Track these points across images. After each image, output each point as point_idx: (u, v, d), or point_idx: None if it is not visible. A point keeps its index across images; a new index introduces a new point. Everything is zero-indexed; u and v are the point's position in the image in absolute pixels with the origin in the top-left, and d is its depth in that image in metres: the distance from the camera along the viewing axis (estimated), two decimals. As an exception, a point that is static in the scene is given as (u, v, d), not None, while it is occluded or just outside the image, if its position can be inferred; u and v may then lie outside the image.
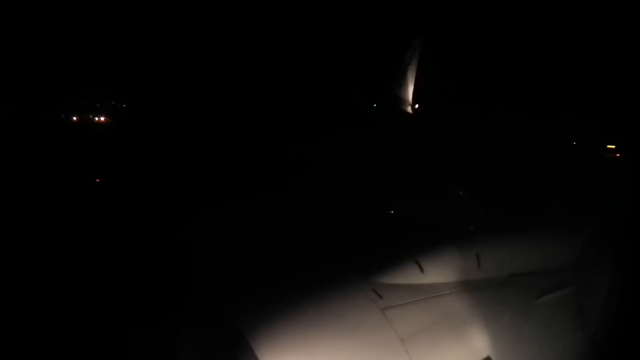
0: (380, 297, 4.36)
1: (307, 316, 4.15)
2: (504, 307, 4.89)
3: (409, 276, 4.68)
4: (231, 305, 4.33)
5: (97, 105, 39.66)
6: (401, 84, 35.75)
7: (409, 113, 34.86)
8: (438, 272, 4.81)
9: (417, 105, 35.86)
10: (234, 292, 4.60)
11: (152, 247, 10.39)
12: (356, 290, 4.40)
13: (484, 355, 4.54)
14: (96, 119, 38.79)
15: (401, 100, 35.26)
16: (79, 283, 9.20)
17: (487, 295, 4.88)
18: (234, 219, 12.17)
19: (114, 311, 7.96)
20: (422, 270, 4.73)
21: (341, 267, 4.81)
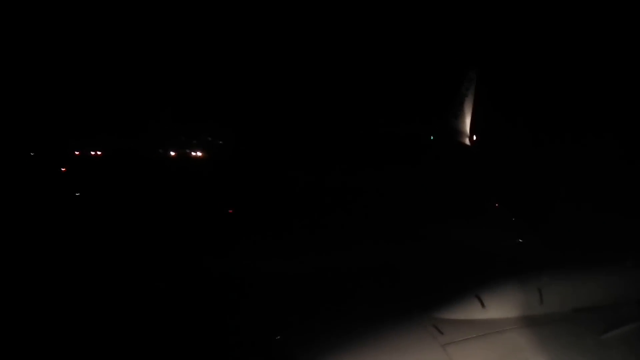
0: (441, 332, 4.37)
1: (368, 351, 4.20)
2: (568, 344, 4.80)
3: (470, 311, 4.67)
4: (293, 338, 4.42)
5: (194, 141, 41.41)
6: (458, 115, 35.53)
7: (467, 145, 34.55)
8: (499, 307, 4.78)
9: (474, 137, 35.53)
10: (297, 325, 4.70)
11: (221, 279, 10.78)
12: (417, 325, 4.43)
13: None
14: (193, 153, 40.60)
15: (458, 132, 35.01)
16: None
17: (551, 331, 4.80)
18: (296, 252, 12.45)
19: (182, 341, 8.21)
20: (483, 305, 4.71)
21: (402, 302, 4.84)
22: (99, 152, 41.75)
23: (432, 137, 35.92)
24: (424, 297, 4.84)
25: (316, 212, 18.08)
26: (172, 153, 41.58)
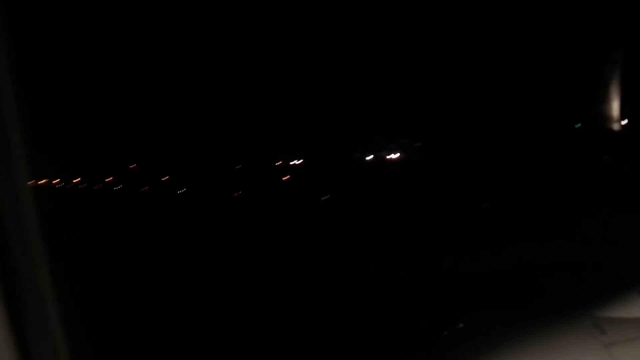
0: (603, 332, 4.16)
1: (526, 351, 4.10)
2: None
3: (635, 309, 4.42)
4: (448, 344, 4.40)
5: (391, 145, 43.93)
6: (604, 100, 33.55)
7: (616, 130, 32.61)
8: None
9: (624, 121, 33.42)
10: (451, 329, 4.68)
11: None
12: (577, 324, 4.26)
13: None
14: (388, 156, 43.09)
15: (606, 118, 33.07)
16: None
17: None
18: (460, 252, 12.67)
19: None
20: None
21: (561, 299, 4.67)
22: (299, 162, 45.67)
23: (578, 125, 34.30)
24: (584, 294, 4.64)
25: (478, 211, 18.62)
26: (368, 157, 44.43)
